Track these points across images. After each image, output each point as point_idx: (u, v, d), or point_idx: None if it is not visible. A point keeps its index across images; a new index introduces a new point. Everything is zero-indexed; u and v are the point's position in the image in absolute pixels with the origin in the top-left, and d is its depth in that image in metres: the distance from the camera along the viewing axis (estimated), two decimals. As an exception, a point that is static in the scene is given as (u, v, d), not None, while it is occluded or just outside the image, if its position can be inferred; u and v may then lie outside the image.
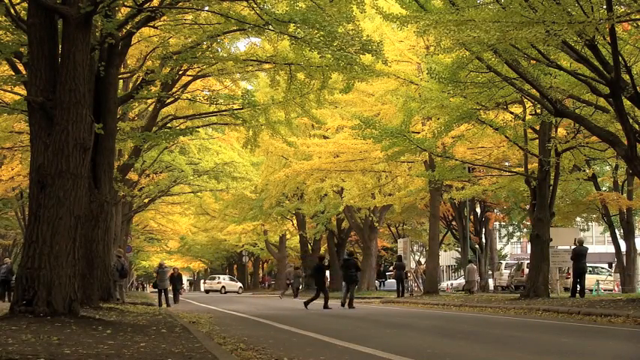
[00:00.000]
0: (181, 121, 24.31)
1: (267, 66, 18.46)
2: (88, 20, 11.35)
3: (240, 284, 59.67)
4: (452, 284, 49.35)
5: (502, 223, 49.41)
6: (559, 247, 26.40)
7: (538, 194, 21.90)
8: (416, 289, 32.78)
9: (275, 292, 51.73)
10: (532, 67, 17.17)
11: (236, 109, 20.19)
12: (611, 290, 32.68)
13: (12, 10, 13.00)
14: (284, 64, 17.08)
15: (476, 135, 22.71)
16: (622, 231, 32.14)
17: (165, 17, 15.90)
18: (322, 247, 48.49)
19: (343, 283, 23.17)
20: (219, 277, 62.34)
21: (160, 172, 32.32)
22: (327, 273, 31.48)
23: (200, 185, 35.02)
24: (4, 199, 35.11)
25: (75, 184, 11.04)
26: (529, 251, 27.68)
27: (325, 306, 21.06)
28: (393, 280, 34.18)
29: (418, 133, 24.99)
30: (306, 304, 21.49)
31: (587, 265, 23.47)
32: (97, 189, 16.24)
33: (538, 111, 21.22)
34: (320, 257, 24.87)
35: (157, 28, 17.56)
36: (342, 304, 21.84)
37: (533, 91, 18.13)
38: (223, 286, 57.76)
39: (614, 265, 39.82)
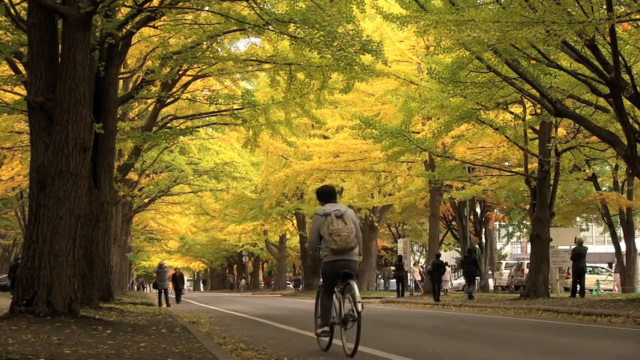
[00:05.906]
0: (181, 121, 24.31)
1: (267, 66, 18.44)
2: (88, 20, 11.33)
3: None
4: (451, 284, 49.22)
5: (502, 223, 49.40)
6: (559, 247, 26.40)
7: (538, 194, 21.90)
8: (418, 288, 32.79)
9: (275, 292, 51.64)
10: (532, 67, 17.16)
11: (236, 109, 20.19)
12: (611, 290, 32.67)
13: (12, 10, 12.99)
14: (284, 64, 17.06)
15: (476, 135, 22.71)
16: (622, 231, 32.13)
17: (165, 17, 15.88)
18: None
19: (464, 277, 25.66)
20: None
21: (160, 172, 32.33)
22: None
23: (200, 185, 35.02)
24: (4, 199, 35.12)
25: (75, 184, 11.03)
26: (529, 251, 27.68)
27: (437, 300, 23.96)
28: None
29: (418, 133, 24.99)
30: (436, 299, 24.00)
31: (587, 265, 23.49)
32: (97, 189, 16.23)
33: (538, 111, 21.22)
34: (437, 255, 26.62)
35: (156, 28, 17.55)
36: (470, 298, 23.58)
37: (533, 91, 18.13)
38: None
39: (614, 265, 39.83)
